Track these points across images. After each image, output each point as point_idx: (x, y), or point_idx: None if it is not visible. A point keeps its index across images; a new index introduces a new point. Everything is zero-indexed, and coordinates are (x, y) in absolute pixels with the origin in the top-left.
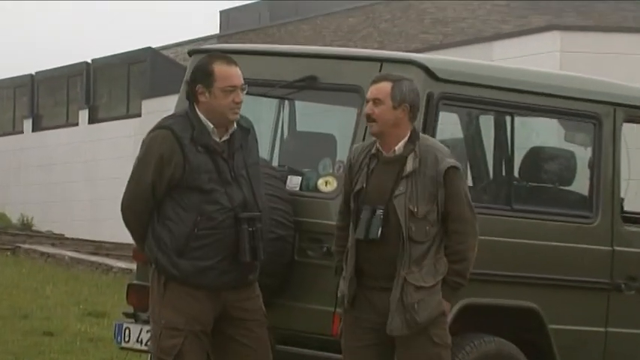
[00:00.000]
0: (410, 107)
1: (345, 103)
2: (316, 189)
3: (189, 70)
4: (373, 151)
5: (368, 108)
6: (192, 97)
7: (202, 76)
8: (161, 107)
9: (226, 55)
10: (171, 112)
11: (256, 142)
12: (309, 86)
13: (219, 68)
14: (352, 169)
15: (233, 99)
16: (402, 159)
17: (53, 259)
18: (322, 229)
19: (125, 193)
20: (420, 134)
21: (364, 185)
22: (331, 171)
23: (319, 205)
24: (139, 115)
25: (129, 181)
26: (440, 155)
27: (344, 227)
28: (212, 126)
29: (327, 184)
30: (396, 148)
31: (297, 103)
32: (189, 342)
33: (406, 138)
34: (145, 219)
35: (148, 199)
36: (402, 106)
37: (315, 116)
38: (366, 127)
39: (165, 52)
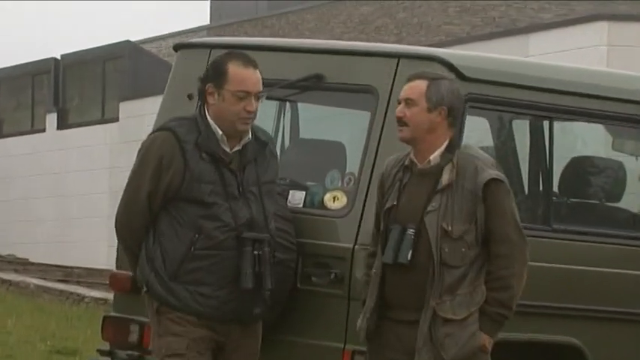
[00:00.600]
0: (448, 111)
1: (357, 106)
2: (323, 206)
3: (175, 67)
4: (406, 162)
5: (399, 110)
6: (202, 97)
7: (214, 74)
8: (142, 110)
9: (247, 55)
10: (153, 116)
11: (275, 158)
12: (314, 86)
13: (234, 68)
14: (384, 184)
15: (244, 106)
16: (437, 171)
17: (16, 287)
18: (330, 253)
19: (120, 206)
20: (463, 143)
21: (395, 202)
22: (340, 185)
23: (326, 225)
24: (117, 120)
25: (124, 192)
26: (480, 165)
27: (376, 254)
28: (221, 133)
29: (336, 200)
30: (431, 157)
31: (300, 105)
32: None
33: (443, 146)
34: (141, 236)
35: (145, 213)
36: (439, 109)
37: (321, 121)
38: (381, 133)
39: (146, 47)
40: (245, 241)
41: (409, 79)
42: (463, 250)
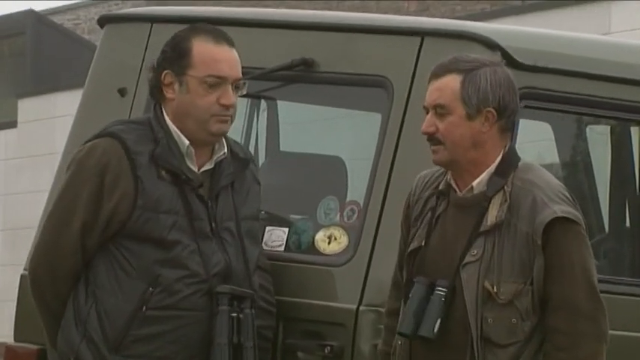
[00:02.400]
0: (497, 112)
1: (362, 105)
2: (313, 249)
3: (101, 49)
4: (442, 186)
5: (428, 122)
6: (156, 91)
7: (173, 55)
8: (51, 111)
9: (218, 29)
10: (68, 120)
11: (258, 183)
12: (300, 77)
13: (201, 46)
14: (411, 212)
15: (218, 98)
16: (482, 202)
17: None
18: (323, 317)
19: (38, 245)
20: (522, 161)
21: (423, 243)
22: (338, 219)
23: (319, 277)
24: (14, 125)
25: (45, 226)
26: (541, 197)
27: (397, 312)
28: (187, 143)
29: (332, 241)
30: (474, 183)
31: (280, 105)
32: None
33: (494, 165)
34: (67, 289)
35: (76, 255)
36: (484, 113)
37: (310, 127)
38: (397, 145)
39: (58, 19)
40: (220, 297)
41: (434, 75)
42: (514, 320)
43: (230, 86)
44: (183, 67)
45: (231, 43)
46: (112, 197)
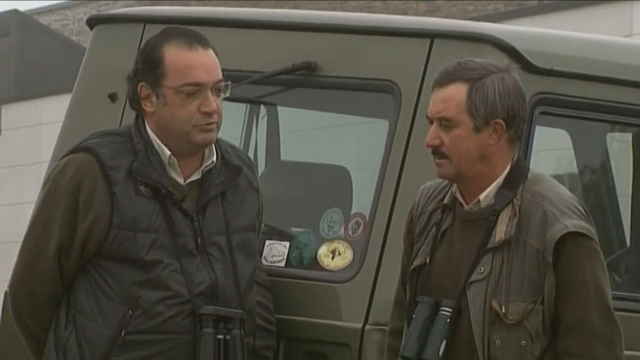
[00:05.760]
0: (506, 122)
1: (368, 111)
2: (316, 264)
3: (90, 52)
4: (447, 199)
5: (432, 135)
6: (135, 104)
7: (146, 66)
8: (36, 118)
9: (190, 31)
10: (56, 127)
11: (255, 191)
12: (302, 82)
13: (173, 53)
14: (414, 226)
15: (199, 107)
16: (490, 216)
17: None
18: (327, 337)
19: (16, 268)
20: (531, 172)
21: (427, 260)
22: (342, 232)
23: (322, 294)
24: None
25: (22, 247)
26: (552, 212)
27: (400, 331)
28: (169, 153)
29: (336, 256)
30: (481, 197)
31: (281, 111)
32: None
33: (501, 178)
34: (48, 313)
35: (54, 278)
36: (492, 124)
37: (313, 135)
38: (405, 153)
39: (44, 20)
40: (204, 319)
41: (438, 83)
42: (523, 342)
43: (210, 92)
44: (158, 78)
45: (205, 45)
46: (86, 217)
